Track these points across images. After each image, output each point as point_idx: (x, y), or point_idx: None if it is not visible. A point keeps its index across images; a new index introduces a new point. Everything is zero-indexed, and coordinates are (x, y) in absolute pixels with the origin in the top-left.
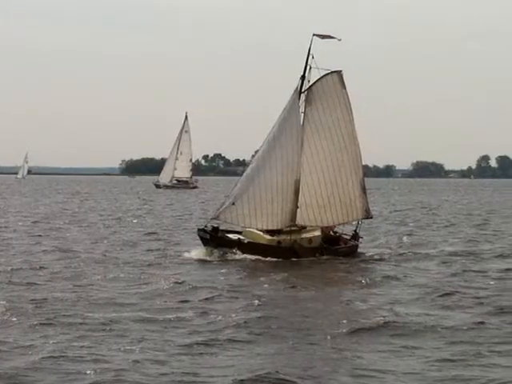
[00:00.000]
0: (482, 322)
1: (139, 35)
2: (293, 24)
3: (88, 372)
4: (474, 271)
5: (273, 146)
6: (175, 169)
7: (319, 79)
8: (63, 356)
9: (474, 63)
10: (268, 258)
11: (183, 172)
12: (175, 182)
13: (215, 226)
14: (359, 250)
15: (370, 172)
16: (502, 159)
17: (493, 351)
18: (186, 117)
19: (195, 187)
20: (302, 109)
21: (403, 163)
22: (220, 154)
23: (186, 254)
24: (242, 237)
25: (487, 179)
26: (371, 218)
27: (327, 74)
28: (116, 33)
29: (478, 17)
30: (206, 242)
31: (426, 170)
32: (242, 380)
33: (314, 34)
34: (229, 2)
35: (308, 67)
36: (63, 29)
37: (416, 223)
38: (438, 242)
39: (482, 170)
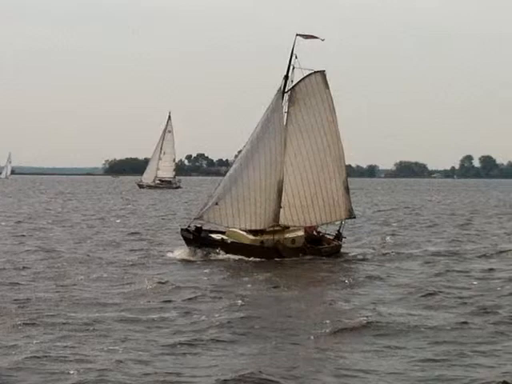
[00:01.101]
0: (465, 322)
1: (123, 35)
2: (275, 23)
3: (71, 372)
4: (457, 271)
5: (256, 146)
6: (158, 169)
7: (302, 79)
8: (46, 356)
9: (458, 63)
10: (251, 258)
11: (166, 172)
12: (158, 182)
13: (198, 225)
14: (342, 250)
15: (353, 172)
16: (485, 159)
17: (476, 351)
18: (169, 117)
19: (178, 187)
20: (285, 109)
21: (386, 163)
22: (203, 154)
23: (170, 254)
24: (225, 237)
25: (470, 179)
26: (354, 218)
27: (310, 73)
28: (95, 32)
29: (461, 17)
30: (189, 241)
31: (409, 170)
32: (225, 380)
33: (297, 34)
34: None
35: (291, 67)
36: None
37: (399, 223)
38: (421, 242)
39: (465, 170)
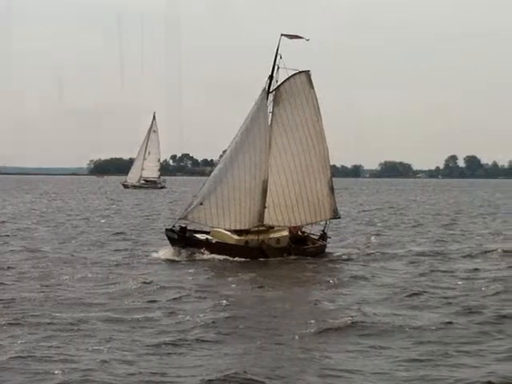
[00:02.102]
0: (449, 322)
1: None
2: (258, 23)
3: (56, 372)
4: (442, 271)
5: (240, 146)
6: (143, 169)
7: (287, 79)
8: (31, 356)
9: (445, 64)
10: (236, 258)
11: (151, 172)
12: (143, 182)
13: (183, 225)
14: (327, 250)
15: (337, 172)
16: (470, 159)
17: (460, 351)
18: (154, 117)
19: (163, 187)
20: (269, 109)
21: (371, 163)
22: (188, 154)
23: (154, 254)
24: (209, 237)
25: (455, 179)
26: (339, 218)
27: (295, 73)
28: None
29: (450, 16)
30: (173, 241)
31: (394, 170)
32: (210, 380)
33: (281, 34)
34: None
35: (276, 67)
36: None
37: (384, 223)
38: (406, 242)
39: (450, 169)
